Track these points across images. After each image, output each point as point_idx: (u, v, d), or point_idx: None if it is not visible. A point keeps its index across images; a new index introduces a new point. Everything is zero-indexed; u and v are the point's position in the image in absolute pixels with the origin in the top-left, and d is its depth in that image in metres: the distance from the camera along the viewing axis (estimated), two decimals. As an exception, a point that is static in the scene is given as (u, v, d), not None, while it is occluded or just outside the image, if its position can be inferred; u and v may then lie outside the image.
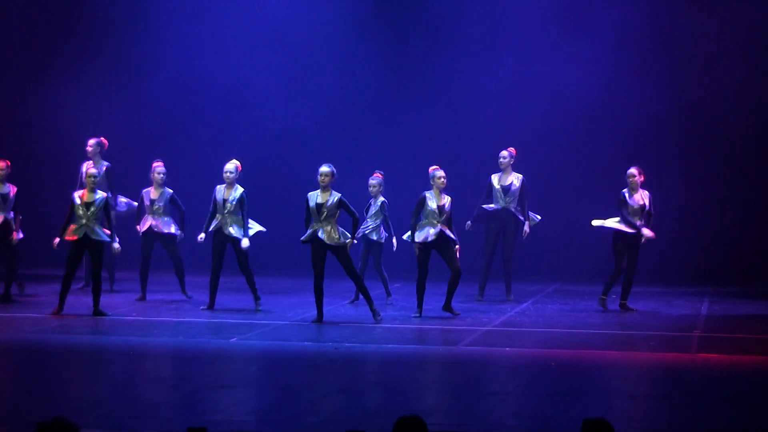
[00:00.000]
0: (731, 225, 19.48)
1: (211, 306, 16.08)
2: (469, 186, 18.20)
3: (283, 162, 20.96)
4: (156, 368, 12.69)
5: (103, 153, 17.81)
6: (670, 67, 20.57)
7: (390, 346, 13.59)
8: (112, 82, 21.37)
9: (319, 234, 14.99)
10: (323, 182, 15.10)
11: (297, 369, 12.35)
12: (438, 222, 15.54)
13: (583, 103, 20.60)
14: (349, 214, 15.09)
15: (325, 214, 14.98)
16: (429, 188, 15.74)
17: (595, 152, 20.40)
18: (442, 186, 15.70)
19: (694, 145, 20.38)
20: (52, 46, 21.65)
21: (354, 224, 15.25)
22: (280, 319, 15.37)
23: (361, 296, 16.05)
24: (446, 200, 15.68)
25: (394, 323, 15.11)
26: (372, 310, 15.14)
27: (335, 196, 15.07)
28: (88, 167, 16.73)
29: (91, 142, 17.81)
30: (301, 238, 15.19)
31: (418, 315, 15.55)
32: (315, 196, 15.12)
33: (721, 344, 14.03)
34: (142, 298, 16.95)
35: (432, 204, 15.57)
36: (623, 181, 16.47)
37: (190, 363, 12.75)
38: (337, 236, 15.01)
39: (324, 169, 15.17)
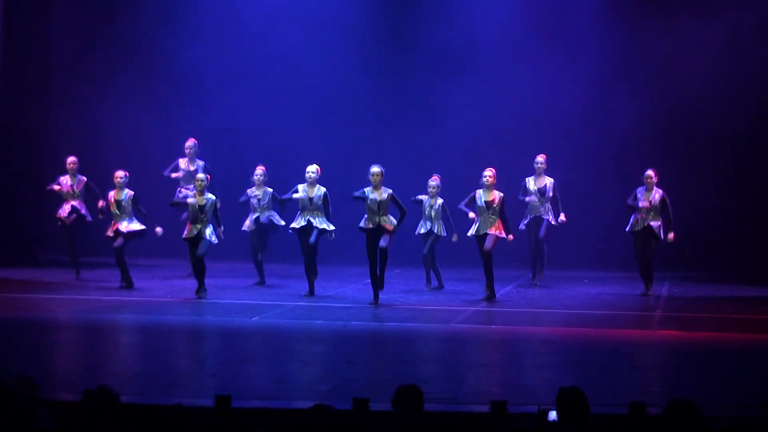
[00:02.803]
0: (689, 217, 19.40)
1: (311, 293, 15.79)
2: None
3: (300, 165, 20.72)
4: (186, 344, 12.73)
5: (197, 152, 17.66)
6: (647, 78, 20.45)
7: (391, 324, 13.62)
8: (146, 90, 21.14)
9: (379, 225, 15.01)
10: (375, 181, 15.04)
11: (310, 344, 12.38)
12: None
13: (568, 114, 20.42)
14: (398, 207, 15.01)
15: (383, 209, 14.96)
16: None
17: (579, 155, 20.20)
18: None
19: (662, 146, 20.25)
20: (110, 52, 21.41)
21: (401, 217, 15.11)
22: (295, 301, 15.41)
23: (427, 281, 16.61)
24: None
25: (394, 304, 15.13)
26: (375, 297, 15.03)
27: (387, 192, 15.03)
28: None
29: (189, 144, 17.62)
30: (361, 225, 15.09)
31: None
32: (369, 193, 15.06)
33: (679, 322, 14.07)
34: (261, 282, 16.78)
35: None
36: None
37: (216, 339, 12.79)
38: (390, 226, 14.99)
39: (375, 169, 15.06)
